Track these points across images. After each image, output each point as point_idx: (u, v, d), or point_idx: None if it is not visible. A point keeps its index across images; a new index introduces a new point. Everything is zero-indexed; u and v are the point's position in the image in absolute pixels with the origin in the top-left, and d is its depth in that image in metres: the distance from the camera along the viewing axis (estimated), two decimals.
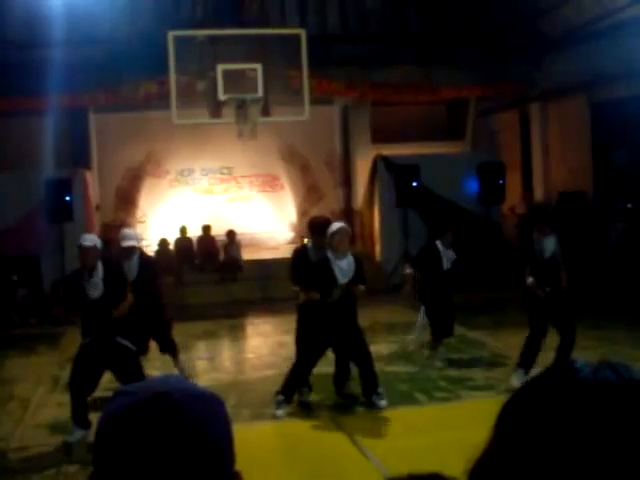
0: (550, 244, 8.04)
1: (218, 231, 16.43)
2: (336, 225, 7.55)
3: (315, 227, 7.90)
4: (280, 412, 7.37)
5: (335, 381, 8.05)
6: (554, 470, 0.82)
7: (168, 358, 8.97)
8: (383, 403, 7.53)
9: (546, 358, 8.04)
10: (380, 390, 7.59)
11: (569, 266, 8.31)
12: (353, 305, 7.53)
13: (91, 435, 6.75)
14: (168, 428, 1.05)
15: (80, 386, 6.83)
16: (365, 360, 7.58)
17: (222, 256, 15.96)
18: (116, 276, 7.04)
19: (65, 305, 7.21)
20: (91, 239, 7.07)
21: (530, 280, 7.96)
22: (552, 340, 8.18)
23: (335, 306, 7.29)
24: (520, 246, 8.68)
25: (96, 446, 1.09)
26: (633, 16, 13.35)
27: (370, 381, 7.59)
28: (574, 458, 0.81)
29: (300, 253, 8.16)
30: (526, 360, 7.89)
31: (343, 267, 7.32)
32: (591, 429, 0.82)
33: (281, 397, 7.43)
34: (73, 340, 9.92)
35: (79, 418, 6.82)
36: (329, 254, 7.30)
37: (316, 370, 8.03)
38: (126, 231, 8.71)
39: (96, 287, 6.81)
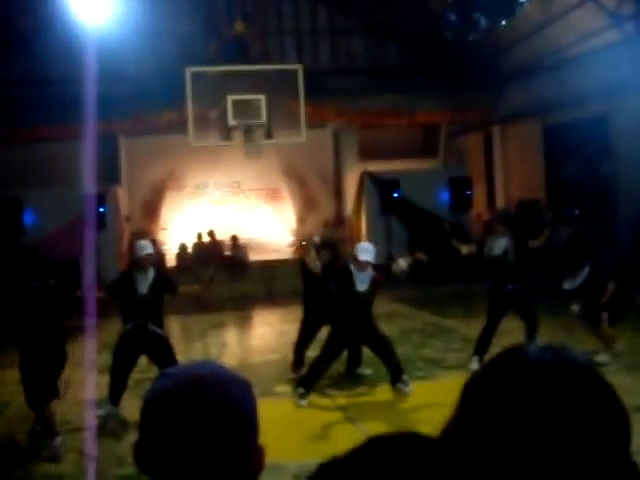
0: (501, 243, 7.78)
1: (229, 236, 16.47)
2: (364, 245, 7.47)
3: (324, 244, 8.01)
4: (303, 402, 7.09)
5: (348, 364, 7.89)
6: (506, 436, 0.84)
7: (190, 346, 8.75)
8: (407, 389, 7.25)
9: (504, 342, 8.09)
10: (405, 377, 7.33)
11: (523, 264, 8.18)
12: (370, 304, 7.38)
13: (120, 410, 6.77)
14: (203, 407, 1.05)
15: (121, 369, 6.83)
16: (386, 350, 7.38)
17: (229, 258, 15.95)
18: (163, 279, 7.02)
19: (110, 294, 7.11)
20: (149, 247, 6.90)
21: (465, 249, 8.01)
22: (507, 325, 8.20)
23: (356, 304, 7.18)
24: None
25: (142, 419, 1.09)
26: (577, 53, 13.47)
27: (393, 370, 7.36)
28: (522, 424, 0.84)
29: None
30: (481, 348, 7.80)
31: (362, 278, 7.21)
32: (534, 400, 0.85)
33: (302, 390, 7.17)
34: (107, 331, 9.96)
35: (113, 396, 6.84)
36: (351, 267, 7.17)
37: (311, 353, 7.99)
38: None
39: (145, 284, 6.79)
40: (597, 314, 7.90)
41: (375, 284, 7.24)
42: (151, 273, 6.83)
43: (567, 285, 8.03)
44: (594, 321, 7.95)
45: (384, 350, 7.37)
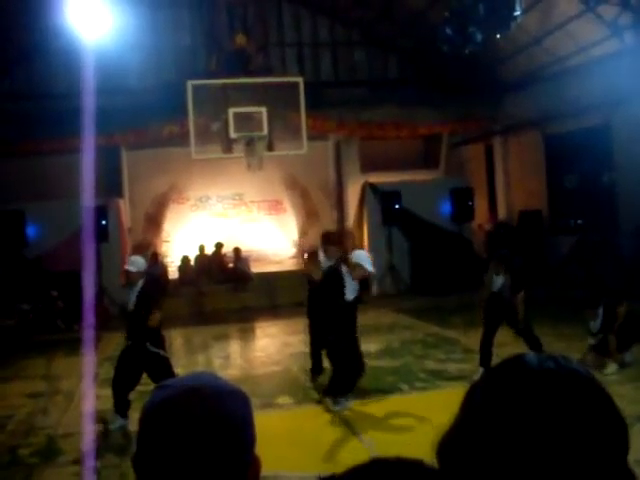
0: (499, 281, 7.89)
1: (231, 248, 16.47)
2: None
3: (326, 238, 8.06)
4: (338, 407, 7.07)
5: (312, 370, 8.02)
6: (505, 443, 0.85)
7: (193, 358, 8.72)
8: (334, 407, 7.14)
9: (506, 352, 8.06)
10: (340, 399, 7.19)
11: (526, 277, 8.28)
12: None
13: (129, 424, 6.77)
14: (199, 418, 1.05)
15: (122, 384, 6.84)
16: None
17: (232, 270, 15.94)
18: (147, 292, 6.87)
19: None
20: (136, 264, 6.86)
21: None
22: (508, 338, 8.19)
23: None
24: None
25: (139, 430, 1.10)
26: (576, 63, 13.54)
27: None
28: (521, 431, 0.85)
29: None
30: (484, 359, 7.86)
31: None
32: (534, 408, 0.86)
33: (335, 398, 7.13)
34: (109, 343, 9.98)
35: (120, 410, 6.84)
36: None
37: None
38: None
39: (130, 300, 6.84)
40: (606, 340, 8.04)
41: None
42: (137, 288, 6.84)
43: (592, 328, 8.22)
44: (604, 350, 8.08)
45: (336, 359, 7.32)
